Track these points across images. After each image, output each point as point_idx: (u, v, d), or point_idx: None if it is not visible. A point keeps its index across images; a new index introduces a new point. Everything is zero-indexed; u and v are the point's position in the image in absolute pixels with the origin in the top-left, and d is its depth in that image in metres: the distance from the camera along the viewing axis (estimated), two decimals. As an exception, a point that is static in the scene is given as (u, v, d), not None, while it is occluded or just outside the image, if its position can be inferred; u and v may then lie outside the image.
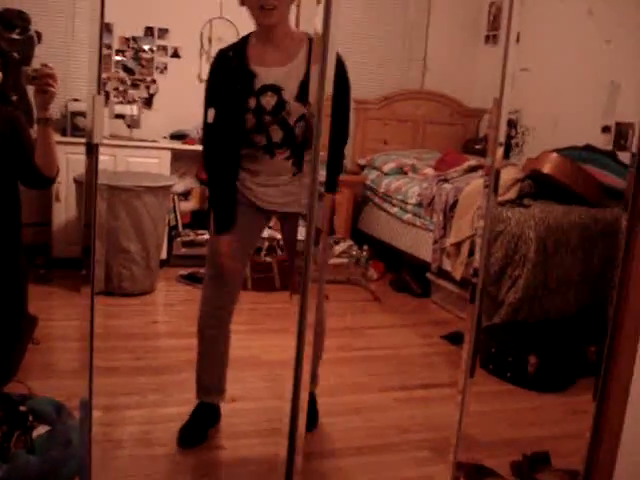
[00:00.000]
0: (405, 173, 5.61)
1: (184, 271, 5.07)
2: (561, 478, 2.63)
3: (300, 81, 2.54)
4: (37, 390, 2.80)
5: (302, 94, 2.52)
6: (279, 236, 5.13)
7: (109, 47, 5.40)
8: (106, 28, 5.23)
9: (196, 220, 5.54)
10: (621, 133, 4.85)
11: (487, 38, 6.34)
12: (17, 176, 2.86)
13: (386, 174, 5.66)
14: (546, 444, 2.86)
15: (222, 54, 2.66)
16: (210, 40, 5.69)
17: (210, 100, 2.64)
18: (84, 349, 1.58)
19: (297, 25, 4.94)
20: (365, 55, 6.19)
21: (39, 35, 5.02)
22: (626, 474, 2.24)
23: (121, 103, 5.51)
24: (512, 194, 4.36)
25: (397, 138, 6.24)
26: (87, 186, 1.40)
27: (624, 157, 4.65)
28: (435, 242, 4.72)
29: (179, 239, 5.33)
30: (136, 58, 5.58)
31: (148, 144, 5.27)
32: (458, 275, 4.42)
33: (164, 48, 5.64)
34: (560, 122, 5.38)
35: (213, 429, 2.89)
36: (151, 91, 5.64)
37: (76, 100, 4.99)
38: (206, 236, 5.07)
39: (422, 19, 6.41)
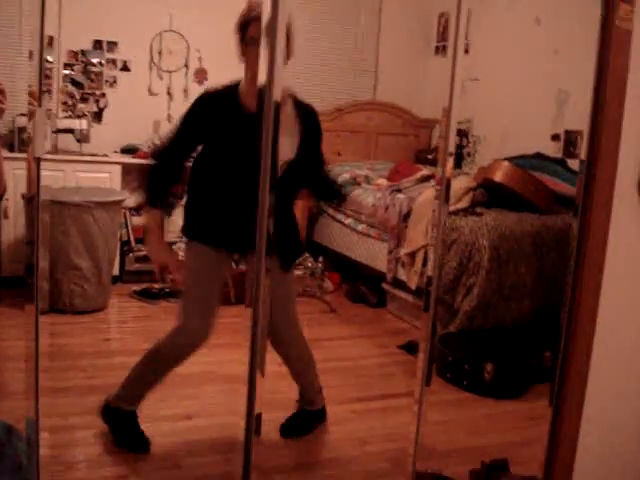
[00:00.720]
0: (359, 184, 5.61)
1: (137, 287, 4.99)
2: (520, 485, 2.63)
3: (286, 130, 2.59)
4: (-15, 413, 2.72)
5: (288, 143, 2.67)
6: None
7: (50, 62, 5.32)
8: (50, 42, 5.15)
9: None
10: (570, 141, 4.92)
11: (437, 49, 6.39)
12: None
13: (340, 185, 5.65)
14: (504, 451, 2.86)
15: (210, 100, 2.74)
16: (160, 53, 5.64)
17: (195, 136, 2.75)
18: (30, 369, 1.53)
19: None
20: (316, 67, 6.20)
21: (-16, 49, 4.92)
22: (584, 477, 2.26)
23: (70, 117, 5.43)
24: (465, 203, 4.39)
25: (350, 149, 6.25)
26: (30, 201, 1.36)
27: (573, 164, 4.72)
28: (390, 252, 4.73)
29: (131, 254, 5.25)
30: (85, 72, 5.50)
31: (98, 159, 5.19)
32: (413, 284, 4.43)
33: (113, 61, 5.57)
34: (511, 131, 5.44)
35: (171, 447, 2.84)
36: (101, 105, 5.56)
37: (24, 115, 4.89)
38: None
39: (373, 30, 6.44)
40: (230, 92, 2.73)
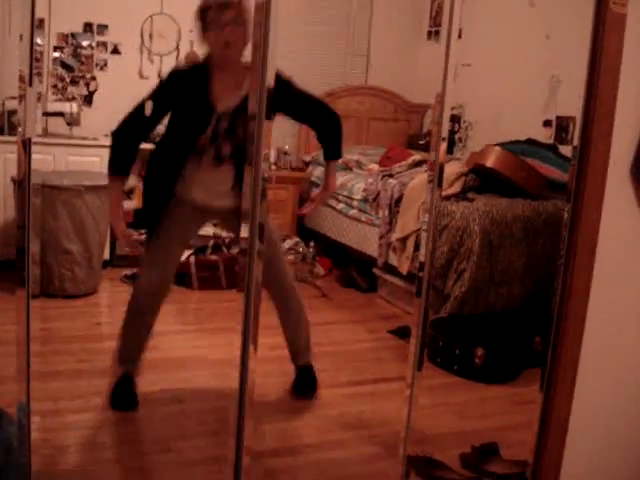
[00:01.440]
0: (350, 169, 5.61)
1: (128, 271, 4.96)
2: (510, 468, 2.65)
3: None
4: (-24, 397, 2.71)
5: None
6: (224, 234, 5.09)
7: (40, 45, 5.28)
8: (40, 24, 5.10)
9: (139, 219, 5.43)
10: (562, 127, 4.92)
11: (429, 34, 6.37)
12: None
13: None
14: (494, 435, 2.88)
15: (179, 76, 2.95)
16: (151, 36, 5.60)
17: (159, 113, 2.88)
18: (21, 353, 1.52)
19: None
20: (308, 51, 6.17)
21: (-27, 32, 4.87)
22: (574, 462, 2.27)
23: (60, 100, 5.39)
24: (456, 188, 4.39)
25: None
26: (20, 184, 1.35)
27: (565, 150, 4.72)
28: (381, 237, 4.73)
29: (122, 239, 5.23)
30: (75, 55, 5.46)
31: (88, 142, 5.16)
32: (404, 270, 4.44)
33: (104, 44, 5.53)
34: (502, 116, 5.44)
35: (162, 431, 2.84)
36: (91, 88, 5.52)
37: (13, 98, 4.85)
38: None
39: (365, 15, 6.42)
40: (198, 72, 2.89)
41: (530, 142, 4.99)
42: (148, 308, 3.05)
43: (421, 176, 4.54)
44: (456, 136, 5.91)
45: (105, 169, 5.08)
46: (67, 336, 3.83)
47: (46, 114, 5.20)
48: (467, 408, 3.31)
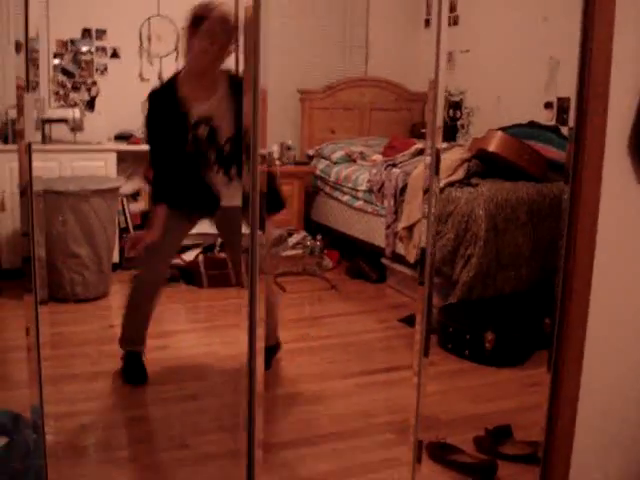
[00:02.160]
0: (354, 161, 5.63)
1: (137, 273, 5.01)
2: (523, 449, 2.67)
3: (224, 110, 3.04)
4: (-7, 403, 2.76)
5: (228, 120, 3.05)
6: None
7: (36, 51, 5.29)
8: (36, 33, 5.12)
9: (147, 220, 5.48)
10: (563, 108, 4.92)
11: (427, 22, 6.37)
12: None
13: (335, 163, 5.67)
14: (508, 418, 2.90)
15: (155, 96, 3.15)
16: (149, 38, 5.62)
17: (153, 136, 3.19)
18: (32, 358, 1.55)
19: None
20: (306, 45, 6.18)
21: (-27, 42, 4.91)
22: (586, 440, 2.29)
23: (63, 107, 5.42)
24: (460, 174, 4.39)
25: (344, 126, 6.24)
26: (23, 191, 1.37)
27: (567, 131, 4.71)
28: (387, 227, 4.74)
29: (131, 241, 5.26)
30: (75, 61, 5.49)
31: (93, 147, 5.19)
32: (412, 258, 4.45)
33: (103, 49, 5.55)
34: (504, 101, 5.44)
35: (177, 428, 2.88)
36: (92, 93, 5.55)
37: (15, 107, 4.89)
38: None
39: (362, 5, 6.42)
40: (169, 86, 3.13)
41: (532, 125, 5.00)
42: (149, 296, 3.30)
43: (424, 164, 4.54)
44: (458, 123, 5.91)
45: (110, 172, 5.15)
46: (81, 339, 3.87)
47: (49, 121, 5.23)
48: (480, 392, 3.33)
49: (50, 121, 5.22)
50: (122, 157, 5.22)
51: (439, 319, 3.86)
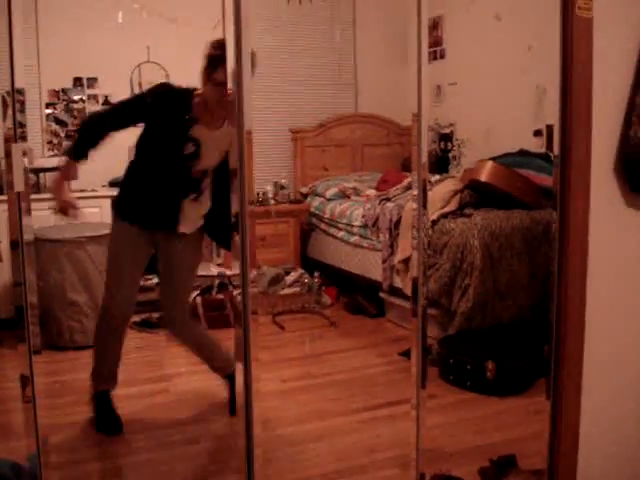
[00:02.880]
0: (348, 197, 5.66)
1: (136, 317, 5.00)
2: (528, 479, 2.64)
3: (220, 144, 2.99)
4: (-7, 454, 2.73)
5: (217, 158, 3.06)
6: (229, 272, 5.12)
7: (22, 103, 5.35)
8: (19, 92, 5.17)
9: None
10: (552, 135, 4.94)
11: (414, 56, 6.43)
12: None
13: (329, 199, 5.70)
14: (512, 447, 2.88)
15: (167, 90, 3.10)
16: (140, 84, 5.68)
17: (137, 114, 3.06)
18: (28, 408, 1.55)
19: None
20: (296, 85, 6.25)
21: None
22: (589, 466, 2.27)
23: (56, 156, 5.45)
24: (453, 205, 4.42)
25: (336, 163, 6.29)
26: (14, 242, 1.38)
27: (556, 158, 4.75)
28: (384, 261, 4.75)
29: (129, 286, 5.26)
30: (67, 109, 5.54)
31: (87, 194, 5.22)
32: (409, 291, 4.43)
33: (95, 97, 5.62)
34: (493, 131, 5.48)
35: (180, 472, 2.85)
36: (86, 141, 5.60)
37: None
38: (155, 280, 5.02)
39: (349, 44, 6.50)
40: (185, 93, 3.05)
41: (522, 153, 5.03)
42: (116, 328, 3.25)
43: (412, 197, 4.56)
44: (450, 154, 5.95)
45: (105, 219, 5.16)
46: (82, 387, 3.83)
47: (43, 170, 5.26)
48: (483, 422, 3.31)
49: (43, 170, 5.25)
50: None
51: (439, 351, 3.85)
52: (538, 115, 5.06)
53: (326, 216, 5.62)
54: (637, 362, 2.31)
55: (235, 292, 5.01)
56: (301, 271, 5.52)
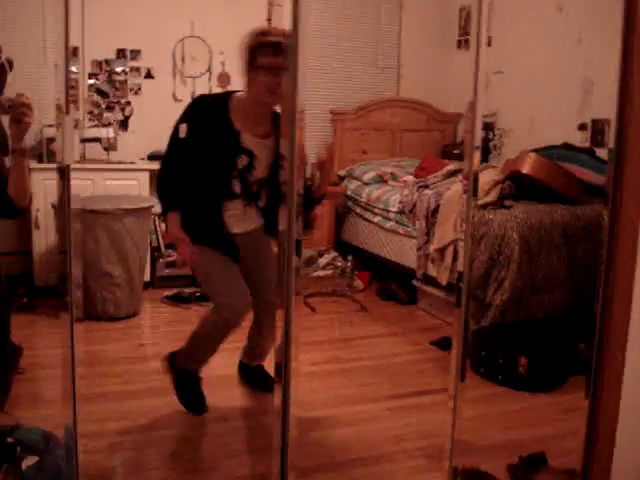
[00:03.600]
0: (385, 182, 5.61)
1: (169, 292, 5.03)
2: (558, 478, 2.61)
3: (270, 152, 2.96)
4: (24, 420, 2.74)
5: (269, 165, 2.99)
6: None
7: (75, 72, 5.37)
8: (74, 52, 5.19)
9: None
10: (597, 129, 4.87)
11: (459, 43, 6.36)
12: None
13: (366, 183, 5.66)
14: (542, 444, 2.84)
15: (204, 104, 2.99)
16: (183, 59, 5.68)
17: (188, 143, 2.93)
18: (66, 377, 1.55)
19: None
20: (339, 66, 6.21)
21: (10, 63, 4.98)
22: (624, 469, 2.23)
23: (97, 126, 5.48)
24: (493, 196, 4.36)
25: (375, 147, 6.24)
26: (60, 210, 1.38)
27: (602, 153, 4.68)
28: (419, 249, 4.71)
29: (162, 260, 5.29)
30: (109, 81, 5.55)
31: (126, 166, 5.24)
32: (444, 280, 4.42)
33: (137, 69, 5.62)
34: (536, 122, 5.40)
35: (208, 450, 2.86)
36: (126, 113, 5.62)
37: (51, 126, 4.94)
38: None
39: (394, 27, 6.43)
40: (221, 102, 2.97)
41: (566, 147, 4.95)
42: (233, 323, 3.03)
43: (457, 186, 4.52)
44: (491, 144, 5.87)
45: (143, 191, 5.19)
46: (112, 358, 3.87)
47: (83, 140, 5.30)
48: (513, 418, 3.28)
49: (85, 140, 5.29)
50: (155, 176, 5.24)
51: (471, 343, 3.82)
52: (584, 109, 4.98)
53: (362, 200, 5.58)
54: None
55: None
56: (334, 254, 5.50)
